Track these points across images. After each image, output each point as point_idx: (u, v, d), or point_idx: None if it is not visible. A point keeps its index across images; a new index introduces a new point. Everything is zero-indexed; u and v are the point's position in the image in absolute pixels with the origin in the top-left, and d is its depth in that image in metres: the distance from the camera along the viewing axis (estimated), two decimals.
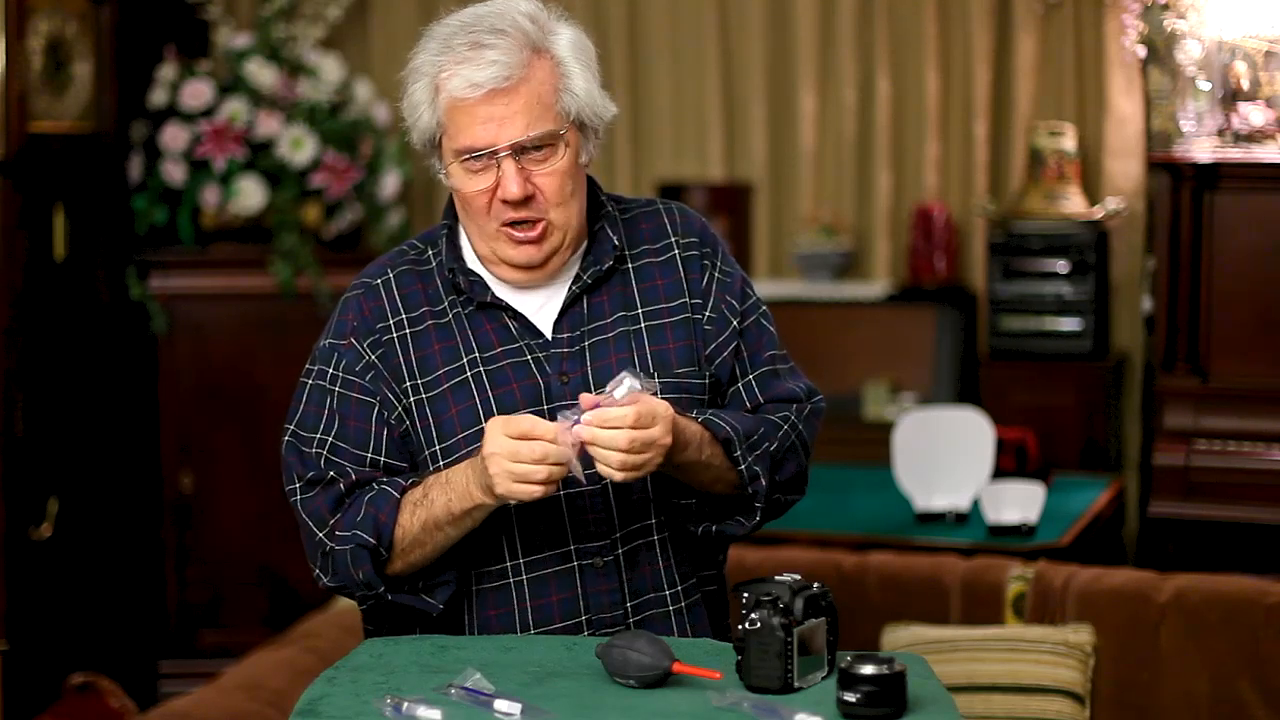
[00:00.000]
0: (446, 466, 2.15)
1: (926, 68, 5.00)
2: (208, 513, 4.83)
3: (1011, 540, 3.82)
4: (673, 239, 2.29)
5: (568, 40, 2.17)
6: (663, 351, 2.22)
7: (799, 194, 5.14)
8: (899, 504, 4.03)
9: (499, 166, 2.13)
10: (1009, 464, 4.22)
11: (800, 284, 5.03)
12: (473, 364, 2.19)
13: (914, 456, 4.03)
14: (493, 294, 2.21)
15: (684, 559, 2.25)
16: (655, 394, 2.06)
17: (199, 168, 4.76)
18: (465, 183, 2.15)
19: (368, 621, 2.31)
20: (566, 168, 2.16)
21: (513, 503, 2.07)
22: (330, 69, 4.92)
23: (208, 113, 4.77)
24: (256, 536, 4.83)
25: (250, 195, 4.74)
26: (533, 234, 2.16)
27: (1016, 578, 3.44)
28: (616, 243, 2.25)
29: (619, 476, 2.03)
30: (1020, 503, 3.89)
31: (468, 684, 1.93)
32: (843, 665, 1.88)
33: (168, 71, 4.84)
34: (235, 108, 4.76)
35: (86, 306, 4.57)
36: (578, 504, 2.17)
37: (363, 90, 4.99)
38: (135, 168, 4.80)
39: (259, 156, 4.77)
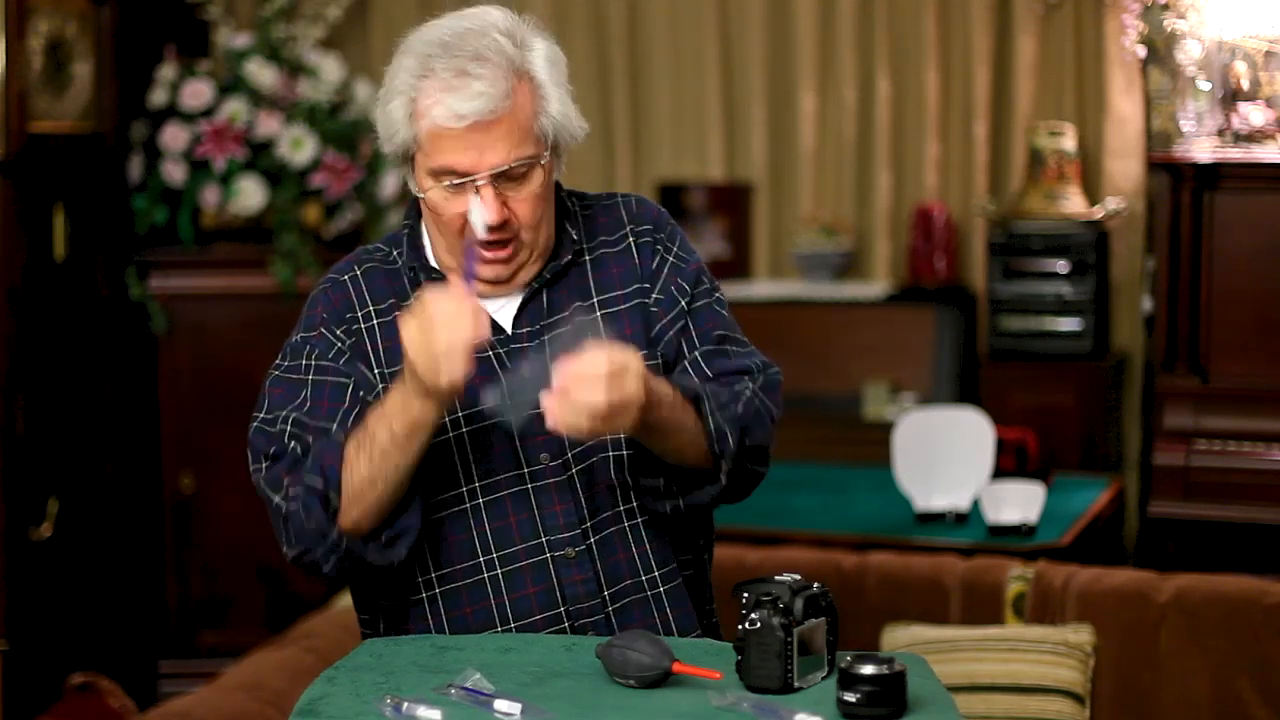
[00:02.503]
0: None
1: (926, 68, 5.00)
2: (208, 513, 4.83)
3: (1011, 540, 3.82)
4: (628, 228, 2.29)
5: (543, 58, 2.17)
6: (620, 339, 2.21)
7: (799, 194, 5.14)
8: (899, 504, 4.03)
9: (476, 191, 2.12)
10: (1009, 464, 4.22)
11: (800, 284, 5.03)
12: None
13: (914, 456, 4.03)
14: None
15: (659, 544, 2.24)
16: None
17: (199, 168, 4.76)
18: (441, 204, 2.15)
19: (361, 610, 2.33)
20: (541, 190, 2.16)
21: (444, 384, 2.02)
22: (330, 69, 4.92)
23: (208, 113, 4.78)
24: (256, 536, 4.81)
25: (250, 195, 4.74)
26: (503, 254, 2.17)
27: (1016, 578, 3.44)
28: (575, 238, 2.26)
29: (587, 428, 2.01)
30: (1020, 503, 3.89)
31: (468, 684, 1.93)
32: (843, 665, 1.88)
33: (168, 71, 4.84)
34: (235, 108, 4.76)
35: (86, 306, 4.57)
36: (545, 495, 2.18)
37: (363, 90, 4.99)
38: (135, 168, 4.80)
39: (259, 156, 4.77)
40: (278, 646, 3.55)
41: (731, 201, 5.16)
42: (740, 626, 1.95)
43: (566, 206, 2.28)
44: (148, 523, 4.81)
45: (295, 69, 4.88)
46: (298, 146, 4.76)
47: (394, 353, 2.18)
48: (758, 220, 5.18)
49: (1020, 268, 4.72)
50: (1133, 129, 4.80)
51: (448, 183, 2.13)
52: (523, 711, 1.87)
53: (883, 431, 4.23)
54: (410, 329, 2.02)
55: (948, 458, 3.99)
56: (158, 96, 4.82)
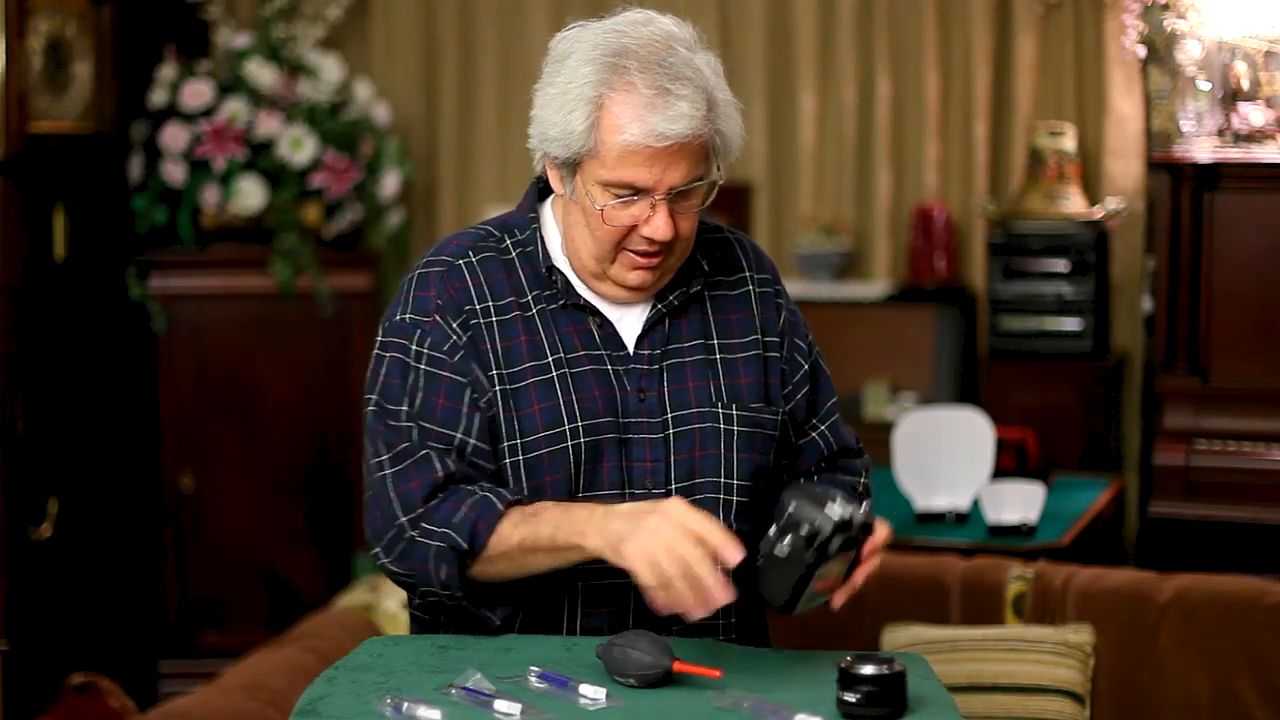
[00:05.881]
0: (526, 462, 2.12)
1: (926, 68, 5.00)
2: (208, 513, 4.83)
3: (1011, 540, 3.82)
4: (747, 274, 2.28)
5: (714, 73, 2.16)
6: (735, 385, 2.21)
7: (799, 194, 5.14)
8: (899, 504, 4.03)
9: (652, 208, 2.09)
10: (1009, 464, 4.22)
11: (800, 284, 5.03)
12: (558, 364, 2.15)
13: (914, 456, 4.03)
14: (582, 297, 2.18)
15: (742, 591, 2.21)
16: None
17: (199, 168, 4.76)
18: (610, 213, 2.10)
19: (422, 611, 2.27)
20: (702, 205, 2.16)
21: (615, 564, 1.99)
22: (330, 69, 4.92)
23: (208, 113, 4.78)
24: (256, 536, 4.83)
25: (250, 195, 4.74)
26: (656, 261, 2.14)
27: (1016, 578, 3.44)
28: (705, 268, 2.24)
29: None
30: (1020, 503, 3.89)
31: (468, 684, 1.93)
32: (843, 665, 1.88)
33: (168, 71, 4.84)
34: (235, 108, 4.76)
35: (86, 306, 4.57)
36: None
37: (363, 90, 4.99)
38: (135, 168, 4.80)
39: (259, 156, 4.77)
40: (278, 646, 3.55)
41: (731, 201, 5.16)
42: (770, 533, 1.94)
43: None
44: (148, 523, 4.81)
45: (295, 69, 4.88)
46: (298, 146, 4.76)
47: (514, 353, 2.14)
48: (758, 220, 5.18)
49: (1020, 268, 4.72)
50: (1133, 129, 4.80)
51: (624, 197, 2.09)
52: (523, 711, 1.87)
53: (883, 431, 4.23)
54: (667, 523, 1.95)
55: (948, 458, 3.99)
56: (158, 96, 4.82)
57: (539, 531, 2.05)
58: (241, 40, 4.91)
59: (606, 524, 2.00)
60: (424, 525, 2.09)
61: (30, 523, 4.27)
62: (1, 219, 4.15)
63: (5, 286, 4.17)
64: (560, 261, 2.20)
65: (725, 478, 2.17)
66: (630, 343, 2.18)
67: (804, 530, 1.93)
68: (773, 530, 1.95)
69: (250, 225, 4.83)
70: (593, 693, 1.90)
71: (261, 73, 4.79)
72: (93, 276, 4.60)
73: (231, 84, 4.84)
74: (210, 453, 4.83)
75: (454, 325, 2.14)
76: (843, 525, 1.94)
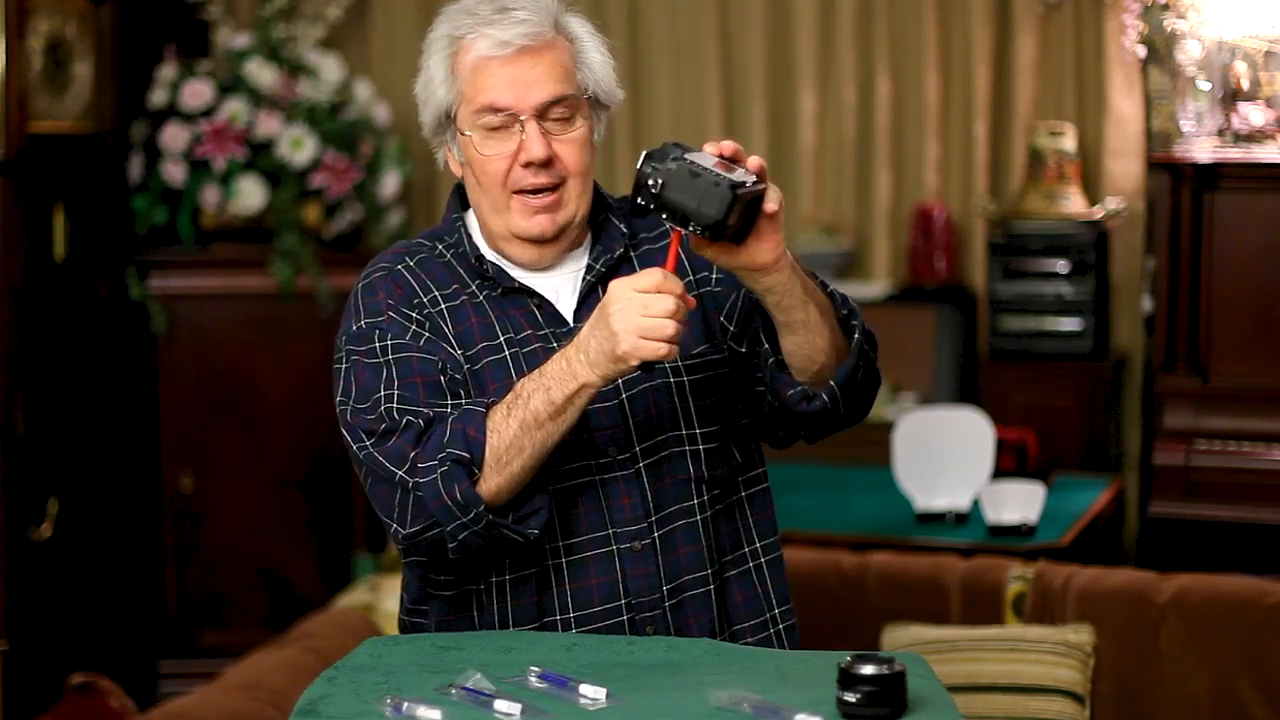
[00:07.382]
0: None
1: (926, 68, 5.00)
2: (208, 513, 4.83)
3: (1011, 540, 3.82)
4: (668, 224, 2.30)
5: (579, 21, 2.25)
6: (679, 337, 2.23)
7: (799, 194, 5.14)
8: (899, 504, 4.03)
9: (522, 130, 2.15)
10: (1009, 464, 4.22)
11: None
12: (510, 343, 2.18)
13: (914, 456, 4.03)
14: (518, 280, 2.21)
15: (722, 540, 2.24)
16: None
17: (199, 168, 4.76)
18: (486, 147, 2.16)
19: (413, 616, 2.28)
20: (584, 138, 2.19)
21: (630, 366, 2.01)
22: (330, 69, 4.92)
23: (208, 113, 4.78)
24: (256, 536, 4.83)
25: (250, 195, 4.74)
26: (549, 200, 2.17)
27: (1016, 578, 3.45)
28: (624, 231, 2.27)
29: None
30: (1020, 503, 3.89)
31: (468, 684, 1.93)
32: (843, 665, 1.88)
33: (168, 71, 4.84)
34: (235, 108, 4.76)
35: (86, 306, 4.57)
36: (613, 488, 2.17)
37: (363, 90, 4.99)
38: (135, 168, 4.80)
39: (259, 156, 4.77)
40: (278, 646, 3.55)
41: None
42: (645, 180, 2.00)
43: (607, 202, 2.29)
44: (148, 523, 4.81)
45: (295, 69, 4.88)
46: (298, 146, 4.76)
47: (468, 335, 2.18)
48: None
49: (1020, 268, 4.72)
50: (1133, 129, 4.80)
51: (492, 123, 2.15)
52: (523, 711, 1.87)
53: (883, 431, 4.23)
54: (624, 292, 2.01)
55: (948, 458, 3.99)
56: (158, 96, 4.82)
57: (532, 405, 2.06)
58: (241, 40, 4.91)
59: (585, 352, 2.04)
60: (420, 466, 2.08)
61: (30, 523, 4.27)
62: (1, 219, 4.15)
63: (5, 286, 4.17)
64: (490, 254, 2.24)
65: (687, 429, 2.20)
66: (569, 317, 2.22)
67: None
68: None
69: (250, 225, 4.83)
70: (593, 693, 1.90)
71: (261, 73, 4.79)
72: (93, 276, 4.60)
73: (231, 84, 4.84)
74: (210, 453, 4.83)
75: (411, 315, 2.18)
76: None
